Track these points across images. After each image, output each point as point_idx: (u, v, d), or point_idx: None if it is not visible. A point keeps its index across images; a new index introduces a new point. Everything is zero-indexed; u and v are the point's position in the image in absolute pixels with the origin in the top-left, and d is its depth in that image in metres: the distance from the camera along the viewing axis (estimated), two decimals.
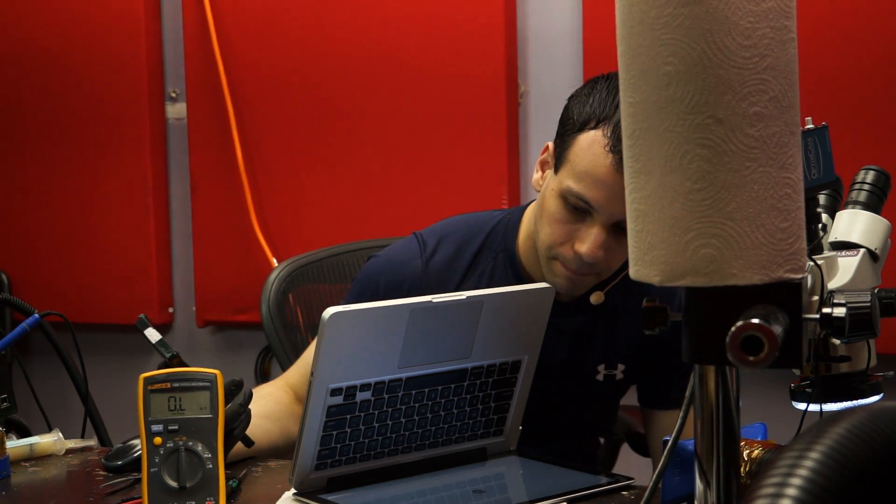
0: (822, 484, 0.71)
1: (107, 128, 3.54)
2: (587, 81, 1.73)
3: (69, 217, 3.60)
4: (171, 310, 3.62)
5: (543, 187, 1.75)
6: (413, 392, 1.57)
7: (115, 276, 3.57)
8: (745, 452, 1.34)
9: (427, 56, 3.20)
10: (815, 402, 1.33)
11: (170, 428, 1.41)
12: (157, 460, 1.41)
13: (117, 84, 3.52)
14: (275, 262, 3.32)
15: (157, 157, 3.55)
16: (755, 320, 0.95)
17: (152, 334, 1.63)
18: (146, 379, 1.42)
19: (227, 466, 1.48)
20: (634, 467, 2.01)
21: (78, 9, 3.52)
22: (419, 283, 1.80)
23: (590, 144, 1.65)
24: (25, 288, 3.63)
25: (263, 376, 3.49)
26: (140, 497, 1.43)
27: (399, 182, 3.26)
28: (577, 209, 1.68)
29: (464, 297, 1.56)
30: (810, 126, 1.27)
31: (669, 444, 1.17)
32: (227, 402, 1.53)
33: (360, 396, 1.52)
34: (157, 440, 1.41)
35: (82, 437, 1.84)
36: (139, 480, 1.49)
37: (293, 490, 1.52)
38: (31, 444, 1.76)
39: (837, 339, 1.29)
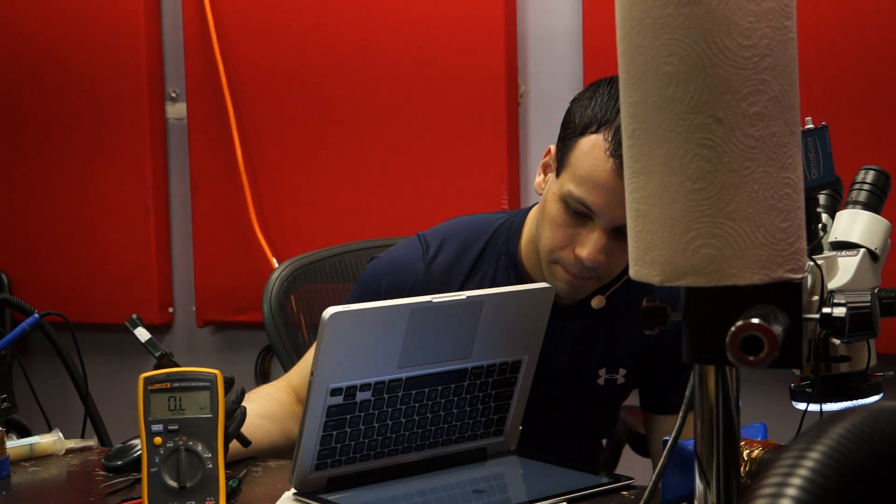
0: (822, 484, 0.71)
1: (107, 128, 3.54)
2: (589, 85, 1.73)
3: (69, 217, 3.60)
4: (171, 310, 3.62)
5: (545, 191, 1.74)
6: (413, 392, 1.57)
7: (115, 276, 3.57)
8: (745, 452, 1.34)
9: (427, 56, 3.20)
10: (815, 402, 1.34)
11: (170, 428, 1.41)
12: (157, 460, 1.41)
13: (117, 84, 3.52)
14: (275, 262, 3.32)
15: (157, 157, 3.55)
16: (755, 320, 0.95)
17: (142, 333, 1.63)
18: (146, 379, 1.42)
19: (227, 466, 1.48)
20: (634, 467, 2.00)
21: (78, 9, 3.52)
22: (421, 285, 1.80)
23: (591, 149, 1.65)
24: (25, 288, 3.63)
25: (263, 376, 3.49)
26: (140, 497, 1.43)
27: (399, 182, 3.26)
28: (578, 213, 1.67)
29: (464, 296, 1.56)
30: (810, 126, 1.27)
31: (669, 444, 1.17)
32: None
33: (360, 396, 1.52)
34: (157, 440, 1.41)
35: (82, 437, 1.84)
36: (139, 480, 1.49)
37: (293, 490, 1.52)
38: (31, 444, 1.76)
39: (837, 339, 1.29)
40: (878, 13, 2.82)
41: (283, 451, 1.73)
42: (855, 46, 2.83)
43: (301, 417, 1.50)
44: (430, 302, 1.53)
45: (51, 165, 3.60)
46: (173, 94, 3.55)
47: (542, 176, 1.78)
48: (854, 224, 1.41)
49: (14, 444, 1.75)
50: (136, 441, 1.66)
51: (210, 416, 1.42)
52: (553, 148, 1.75)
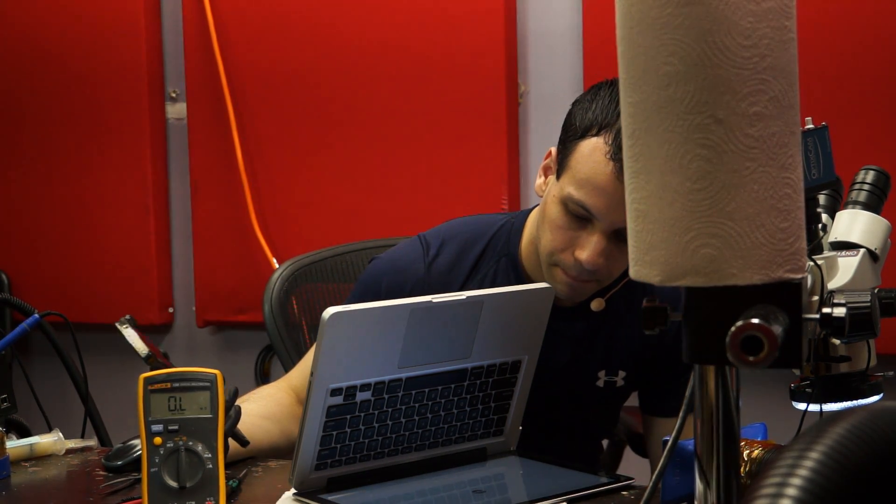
0: (822, 484, 0.71)
1: (107, 128, 3.54)
2: (590, 87, 1.72)
3: (69, 217, 3.61)
4: (171, 310, 3.62)
5: (546, 193, 1.74)
6: (413, 392, 1.57)
7: (115, 276, 3.57)
8: (745, 452, 1.34)
9: (427, 56, 3.20)
10: (815, 402, 1.34)
11: (170, 428, 1.41)
12: (157, 460, 1.41)
13: (117, 84, 3.52)
14: (275, 262, 3.32)
15: (157, 157, 3.55)
16: (755, 320, 0.95)
17: (130, 335, 1.64)
18: (146, 379, 1.42)
19: (227, 466, 1.48)
20: (634, 467, 2.01)
21: (78, 9, 3.52)
22: (421, 286, 1.80)
23: (591, 152, 1.65)
24: (25, 288, 3.63)
25: (263, 376, 3.49)
26: (140, 497, 1.43)
27: (399, 182, 3.26)
28: (577, 216, 1.67)
29: (464, 297, 1.56)
30: (810, 126, 1.27)
31: (669, 444, 1.17)
32: None
33: (360, 396, 1.52)
34: (157, 440, 1.41)
35: (82, 437, 1.84)
36: (139, 480, 1.49)
37: (293, 490, 1.52)
38: (31, 444, 1.76)
39: (837, 339, 1.29)
40: (878, 13, 2.82)
41: (284, 451, 1.73)
42: (855, 46, 2.83)
43: (301, 417, 1.50)
44: (430, 302, 1.53)
45: (51, 165, 3.60)
46: (173, 94, 3.55)
47: (542, 178, 1.78)
48: (854, 224, 1.41)
49: (14, 444, 1.75)
50: (136, 441, 1.66)
51: (210, 416, 1.42)
52: (554, 150, 1.75)
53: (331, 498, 1.51)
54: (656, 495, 1.29)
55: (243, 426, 1.67)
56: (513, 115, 3.18)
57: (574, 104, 1.73)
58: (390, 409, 1.56)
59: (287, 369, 2.00)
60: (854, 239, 1.40)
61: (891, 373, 1.38)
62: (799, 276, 1.02)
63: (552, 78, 3.18)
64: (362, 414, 1.53)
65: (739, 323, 0.95)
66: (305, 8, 3.31)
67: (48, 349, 1.97)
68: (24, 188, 3.64)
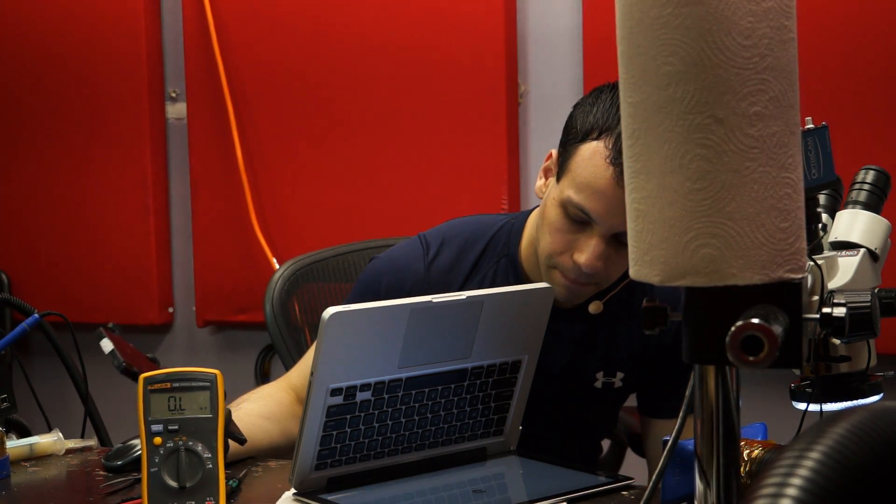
0: (822, 484, 0.71)
1: (107, 128, 3.54)
2: (592, 90, 1.72)
3: (69, 217, 3.61)
4: (171, 310, 3.62)
5: (546, 195, 1.75)
6: (413, 392, 1.57)
7: (115, 276, 3.57)
8: (745, 452, 1.34)
9: (427, 56, 3.20)
10: (815, 402, 1.33)
11: (170, 428, 1.41)
12: (157, 460, 1.41)
13: (117, 84, 3.52)
14: (275, 262, 3.32)
15: (157, 157, 3.55)
16: (755, 320, 0.95)
17: (105, 345, 1.65)
18: (146, 379, 1.42)
19: (227, 466, 1.48)
20: (634, 467, 2.01)
21: (78, 9, 3.52)
22: (421, 286, 1.80)
23: (591, 155, 1.65)
24: (25, 288, 3.63)
25: (263, 376, 3.49)
26: (140, 497, 1.43)
27: (399, 182, 3.26)
28: (576, 219, 1.67)
29: (464, 297, 1.56)
30: (810, 126, 1.27)
31: (669, 444, 1.17)
32: None
33: (360, 396, 1.52)
34: (157, 440, 1.41)
35: (82, 437, 1.84)
36: (139, 480, 1.49)
37: (293, 490, 1.52)
38: (31, 444, 1.76)
39: (837, 339, 1.29)
40: (878, 13, 2.82)
41: (284, 451, 1.73)
42: (855, 46, 2.83)
43: (301, 417, 1.50)
44: (430, 302, 1.53)
45: (51, 165, 3.60)
46: (173, 94, 3.55)
47: (542, 180, 1.78)
48: (854, 224, 1.41)
49: (14, 444, 1.75)
50: (136, 441, 1.66)
51: (210, 416, 1.42)
52: (554, 152, 1.75)
53: (331, 498, 1.51)
54: (656, 495, 1.29)
55: (244, 426, 1.67)
56: (513, 115, 3.18)
57: (575, 107, 1.72)
58: (390, 409, 1.56)
59: (288, 369, 2.00)
60: (854, 239, 1.40)
61: (891, 373, 1.38)
62: (799, 276, 1.02)
63: (552, 78, 3.18)
64: (362, 414, 1.53)
65: (739, 323, 0.95)
66: (305, 8, 3.31)
67: (48, 349, 1.97)
68: (24, 188, 3.64)
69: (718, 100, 0.99)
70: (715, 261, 1.00)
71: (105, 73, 3.52)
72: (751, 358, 0.95)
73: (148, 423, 1.41)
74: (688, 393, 1.13)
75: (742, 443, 1.35)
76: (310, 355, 1.83)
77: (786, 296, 1.01)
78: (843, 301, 1.15)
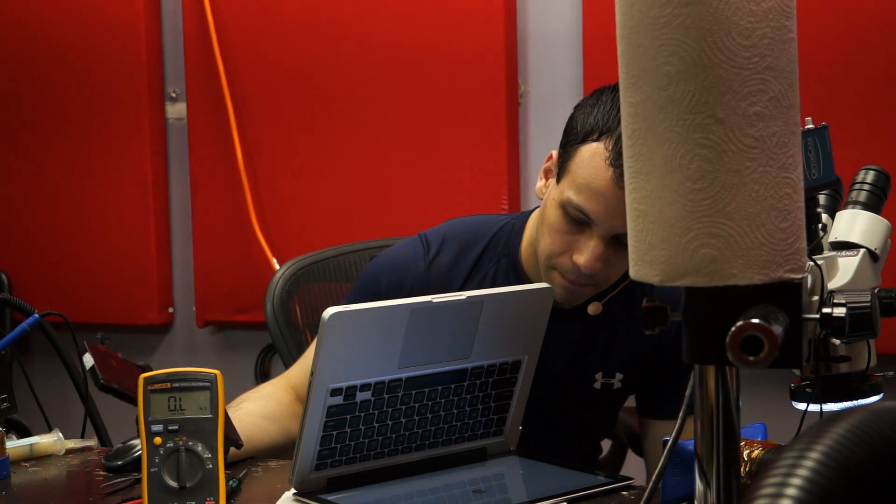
0: (822, 484, 0.71)
1: (107, 128, 3.54)
2: (593, 92, 1.72)
3: (69, 217, 3.61)
4: (171, 310, 3.62)
5: (546, 196, 1.75)
6: (413, 392, 1.57)
7: (115, 276, 3.57)
8: (745, 452, 1.34)
9: (427, 56, 3.20)
10: (815, 402, 1.33)
11: (170, 428, 1.41)
12: (157, 460, 1.41)
13: (117, 84, 3.52)
14: (275, 262, 3.32)
15: (157, 157, 3.55)
16: (755, 320, 0.95)
17: (87, 360, 1.65)
18: (146, 379, 1.42)
19: (227, 466, 1.48)
20: (634, 467, 2.01)
21: (78, 9, 3.52)
22: (421, 285, 1.80)
23: (591, 157, 1.65)
24: (25, 288, 3.63)
25: (263, 376, 3.49)
26: (140, 497, 1.43)
27: (399, 182, 3.26)
28: (576, 220, 1.67)
29: (464, 297, 1.56)
30: (810, 126, 1.27)
31: (669, 444, 1.17)
32: None
33: (360, 396, 1.52)
34: (157, 440, 1.41)
35: (82, 437, 1.84)
36: (139, 480, 1.49)
37: (293, 490, 1.52)
38: (31, 444, 1.76)
39: (837, 339, 1.29)
40: (878, 13, 2.82)
41: (284, 450, 1.73)
42: (855, 46, 2.83)
43: (301, 417, 1.50)
44: (430, 302, 1.53)
45: (51, 165, 3.60)
46: (173, 94, 3.55)
47: (543, 181, 1.78)
48: (854, 224, 1.41)
49: (14, 444, 1.75)
50: (136, 441, 1.66)
51: (210, 416, 1.42)
52: (555, 153, 1.75)
53: (331, 498, 1.51)
54: (656, 495, 1.29)
55: (243, 427, 1.67)
56: (513, 115, 3.18)
57: (576, 108, 1.73)
58: (390, 409, 1.56)
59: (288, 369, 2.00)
60: (854, 239, 1.40)
61: (891, 373, 1.38)
62: (799, 276, 1.02)
63: (552, 78, 3.18)
64: (362, 414, 1.53)
65: (739, 323, 0.95)
66: (305, 8, 3.31)
67: (48, 349, 1.97)
68: (24, 188, 3.64)
69: (718, 100, 0.99)
70: (715, 261, 1.00)
71: (105, 73, 3.52)
72: (751, 358, 0.95)
73: (148, 423, 1.41)
74: (688, 393, 1.13)
75: (742, 443, 1.35)
76: (309, 353, 1.83)
77: (786, 296, 1.01)
78: (843, 301, 1.15)
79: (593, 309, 1.78)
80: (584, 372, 1.84)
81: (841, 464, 0.72)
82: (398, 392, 1.55)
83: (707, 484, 1.08)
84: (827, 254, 1.35)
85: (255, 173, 3.40)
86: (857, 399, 1.34)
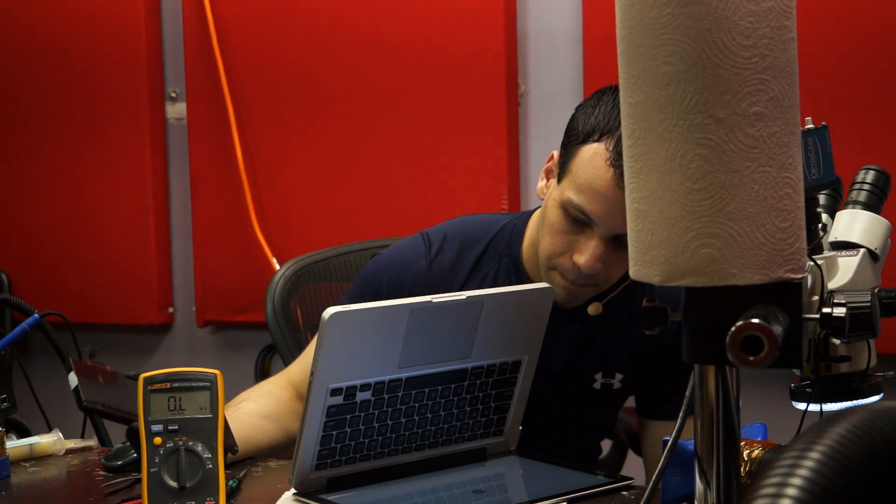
0: (822, 484, 0.71)
1: (107, 128, 3.54)
2: (594, 92, 1.73)
3: (69, 217, 3.61)
4: (171, 310, 3.62)
5: (546, 196, 1.75)
6: (413, 392, 1.57)
7: (115, 276, 3.57)
8: (745, 452, 1.34)
9: (427, 56, 3.20)
10: (815, 402, 1.33)
11: (170, 428, 1.41)
12: (157, 460, 1.41)
13: (117, 84, 3.52)
14: (275, 262, 3.32)
15: (157, 157, 3.55)
16: (755, 320, 0.95)
17: (72, 379, 1.66)
18: (146, 379, 1.42)
19: (227, 466, 1.48)
20: (634, 467, 2.01)
21: (78, 9, 3.52)
22: (422, 283, 1.80)
23: (592, 157, 1.65)
24: (25, 288, 3.63)
25: (263, 376, 3.48)
26: (140, 497, 1.43)
27: (399, 182, 3.26)
28: (577, 220, 1.67)
29: (464, 296, 1.56)
30: (810, 126, 1.27)
31: (669, 444, 1.17)
32: None
33: (360, 396, 1.52)
34: (157, 440, 1.41)
35: (82, 437, 1.85)
36: (139, 480, 1.49)
37: (293, 490, 1.52)
38: (31, 444, 1.76)
39: (837, 339, 1.29)
40: (878, 13, 2.82)
41: (285, 449, 1.73)
42: (855, 46, 2.83)
43: (301, 417, 1.50)
44: (430, 302, 1.53)
45: (51, 165, 3.60)
46: (173, 94, 3.55)
47: (544, 181, 1.78)
48: (854, 224, 1.41)
49: (14, 444, 1.75)
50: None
51: (210, 416, 1.42)
52: (556, 153, 1.75)
53: (331, 498, 1.51)
54: (656, 495, 1.29)
55: (243, 427, 1.67)
56: (513, 115, 3.18)
57: (577, 109, 1.73)
58: (390, 409, 1.56)
59: None
60: (854, 239, 1.40)
61: (891, 373, 1.38)
62: (799, 275, 1.02)
63: (552, 78, 3.17)
64: (362, 414, 1.53)
65: (739, 323, 0.95)
66: (305, 8, 3.31)
67: (48, 349, 1.97)
68: (24, 188, 3.64)
69: (718, 100, 0.99)
70: (715, 261, 1.00)
71: (105, 73, 3.52)
72: (751, 358, 0.95)
73: (148, 423, 1.41)
74: (688, 393, 1.13)
75: (742, 443, 1.35)
76: (309, 351, 1.83)
77: (786, 296, 1.01)
78: (843, 301, 1.15)
79: (593, 309, 1.78)
80: (584, 372, 1.84)
81: (841, 464, 0.72)
82: (398, 392, 1.55)
83: (707, 484, 1.08)
84: (827, 254, 1.35)
85: (255, 173, 3.40)
86: (857, 399, 1.34)
